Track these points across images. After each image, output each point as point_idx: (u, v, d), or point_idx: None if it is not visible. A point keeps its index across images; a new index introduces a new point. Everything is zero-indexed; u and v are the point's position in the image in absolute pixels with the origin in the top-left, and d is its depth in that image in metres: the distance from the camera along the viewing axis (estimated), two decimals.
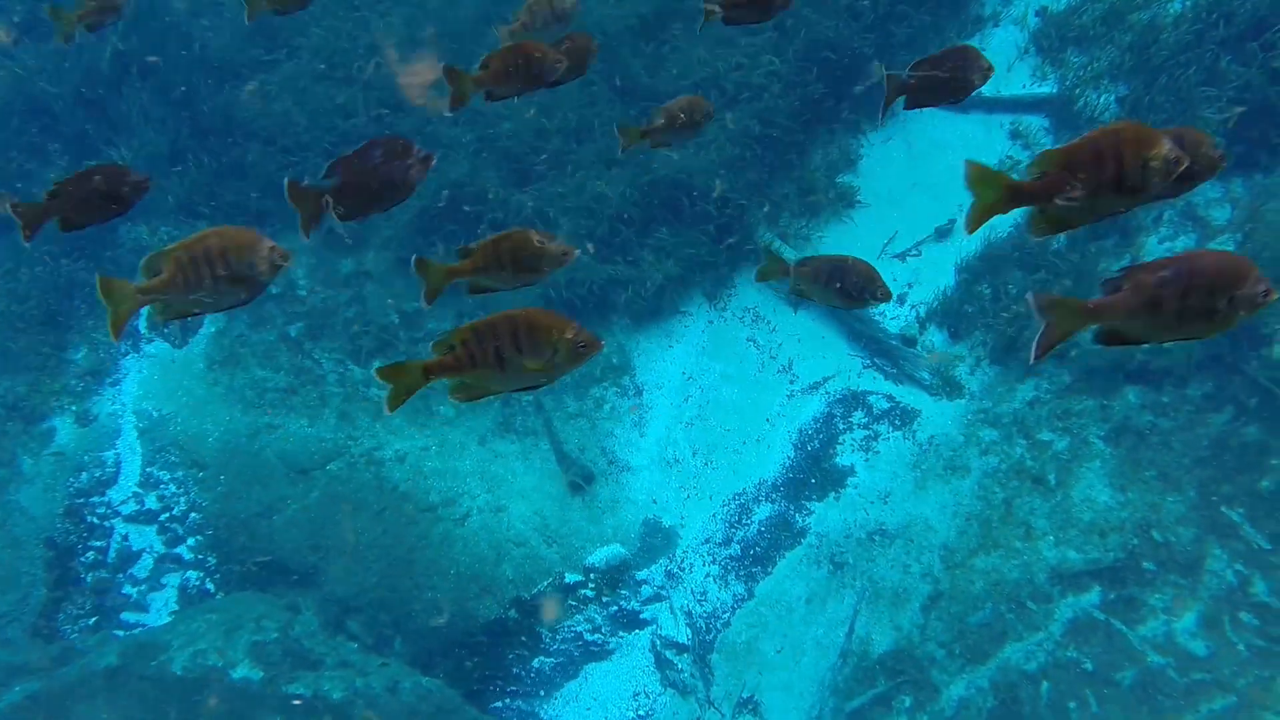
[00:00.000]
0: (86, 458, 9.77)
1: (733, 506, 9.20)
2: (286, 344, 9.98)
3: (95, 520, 9.64)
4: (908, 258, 9.70)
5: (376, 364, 3.11)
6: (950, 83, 4.41)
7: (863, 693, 8.12)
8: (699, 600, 8.96)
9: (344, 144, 9.97)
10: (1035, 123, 9.85)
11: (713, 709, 8.59)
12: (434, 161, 3.75)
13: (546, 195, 9.48)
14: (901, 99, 4.47)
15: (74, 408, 9.98)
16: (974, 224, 3.24)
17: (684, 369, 9.74)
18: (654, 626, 8.99)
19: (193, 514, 9.56)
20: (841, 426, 9.28)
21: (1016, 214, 10.15)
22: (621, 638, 9.03)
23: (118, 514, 9.67)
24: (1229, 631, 7.37)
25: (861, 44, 9.72)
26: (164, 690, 7.77)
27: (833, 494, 9.05)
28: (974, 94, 4.44)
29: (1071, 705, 7.49)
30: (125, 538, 9.61)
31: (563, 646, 8.94)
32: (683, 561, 9.11)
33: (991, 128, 10.00)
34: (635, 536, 9.15)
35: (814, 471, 9.15)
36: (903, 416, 9.17)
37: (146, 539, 9.61)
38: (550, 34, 5.26)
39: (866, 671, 8.19)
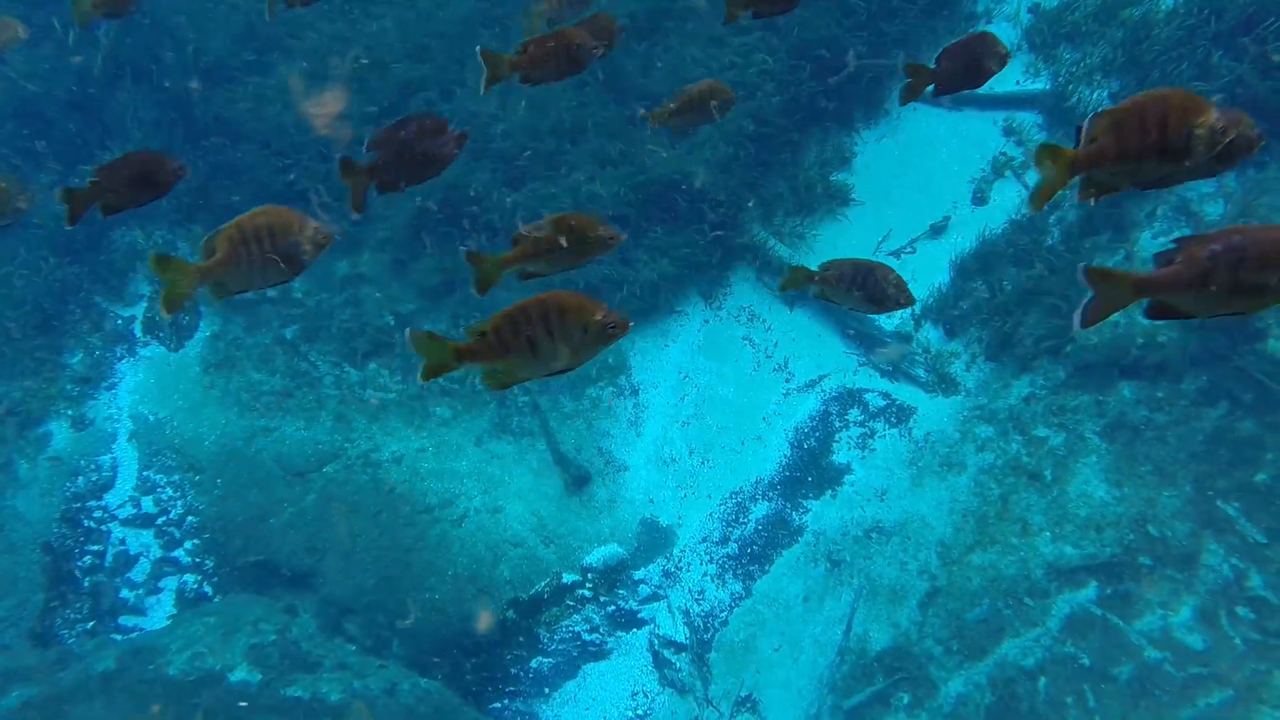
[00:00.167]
0: (83, 462, 9.77)
1: (730, 505, 9.20)
2: (282, 347, 9.98)
3: (92, 524, 9.63)
4: (902, 255, 9.71)
5: (409, 329, 3.11)
6: (970, 69, 4.54)
7: (861, 690, 8.13)
8: (697, 599, 8.96)
9: (338, 146, 9.98)
10: (1029, 119, 9.86)
11: (711, 708, 8.59)
12: (468, 140, 3.88)
13: (540, 195, 9.48)
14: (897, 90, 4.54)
15: (70, 412, 9.97)
16: (1040, 202, 3.22)
17: (680, 368, 9.75)
18: (652, 626, 8.99)
19: (190, 517, 9.56)
20: (838, 424, 9.29)
21: (1009, 211, 10.12)
22: (619, 637, 9.03)
23: (114, 518, 9.66)
24: (1225, 626, 7.38)
25: (854, 42, 9.73)
26: (161, 693, 7.76)
27: (829, 492, 9.06)
28: (981, 94, 4.52)
29: (1069, 700, 7.49)
30: (122, 542, 9.61)
31: (561, 646, 8.94)
32: (680, 561, 9.12)
33: (985, 124, 10.02)
34: (632, 536, 9.16)
35: (811, 469, 9.16)
36: (899, 414, 9.18)
37: (143, 543, 9.60)
38: (574, 14, 5.29)
39: (864, 669, 8.20)
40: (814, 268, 4.60)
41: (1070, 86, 9.55)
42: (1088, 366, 8.48)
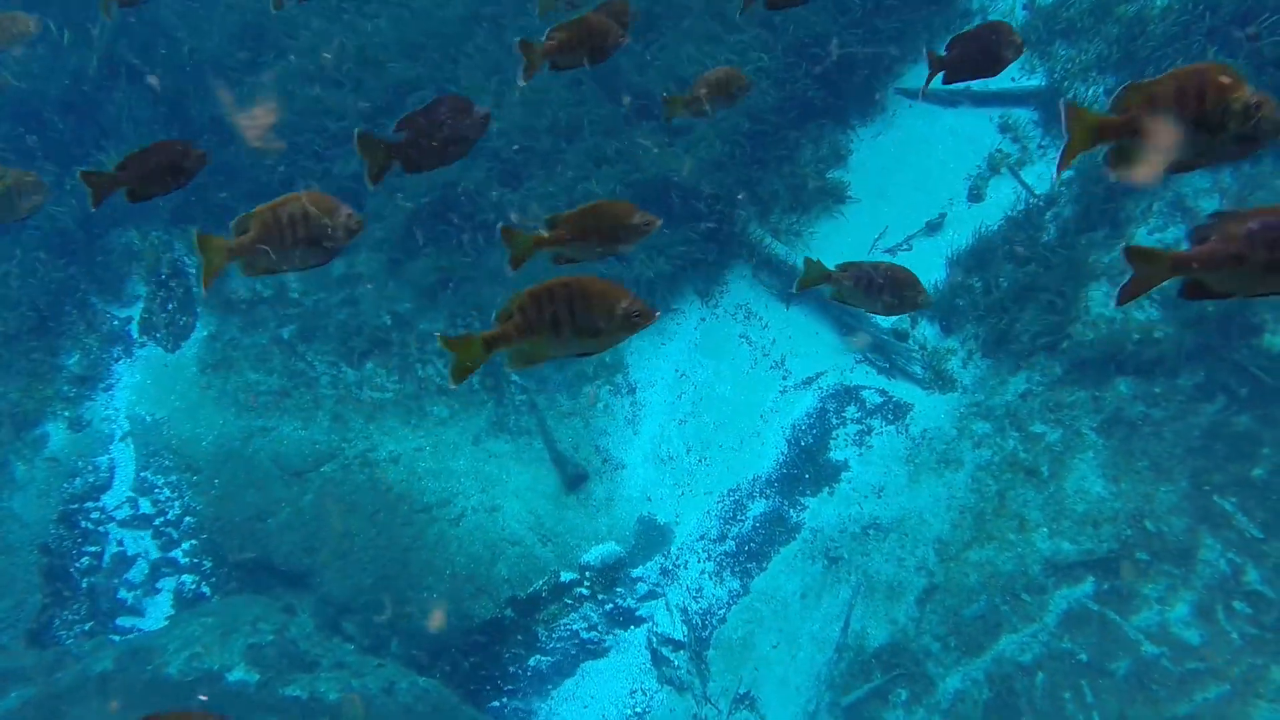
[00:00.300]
0: (80, 463, 9.76)
1: (727, 503, 9.20)
2: (279, 347, 9.98)
3: (89, 525, 9.63)
4: (899, 252, 9.71)
5: (438, 334, 3.17)
6: (984, 57, 4.58)
7: (859, 687, 8.13)
8: (695, 597, 8.97)
9: (334, 146, 9.98)
10: (1024, 115, 9.87)
11: (709, 705, 8.59)
12: (491, 121, 3.98)
13: (536, 194, 9.48)
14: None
15: (67, 413, 9.97)
16: (1065, 162, 3.17)
17: (677, 366, 9.75)
18: (650, 624, 9.00)
19: (187, 518, 9.56)
20: (835, 421, 9.29)
21: (1005, 208, 10.13)
22: (618, 635, 9.04)
23: (112, 519, 9.66)
24: (1222, 620, 7.39)
25: (850, 39, 9.74)
26: (159, 694, 7.76)
27: (826, 489, 9.06)
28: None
29: (1066, 696, 7.50)
30: (120, 542, 9.60)
31: (559, 645, 8.94)
32: (678, 558, 9.12)
33: (981, 121, 10.02)
34: (630, 534, 9.16)
35: (808, 467, 9.16)
36: (895, 411, 9.19)
37: (141, 544, 9.60)
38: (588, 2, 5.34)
39: (862, 665, 8.20)
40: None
41: (1066, 83, 9.55)
42: (1084, 362, 8.49)
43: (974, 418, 8.82)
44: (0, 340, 10.03)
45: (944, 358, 9.23)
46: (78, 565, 9.49)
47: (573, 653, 8.99)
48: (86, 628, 9.30)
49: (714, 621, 8.87)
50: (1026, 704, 7.61)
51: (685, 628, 8.86)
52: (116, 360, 10.26)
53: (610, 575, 9.02)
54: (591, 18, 4.66)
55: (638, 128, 9.68)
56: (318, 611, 8.94)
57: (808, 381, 9.50)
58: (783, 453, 9.28)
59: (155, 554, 9.55)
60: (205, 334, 10.19)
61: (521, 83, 4.54)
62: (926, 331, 9.39)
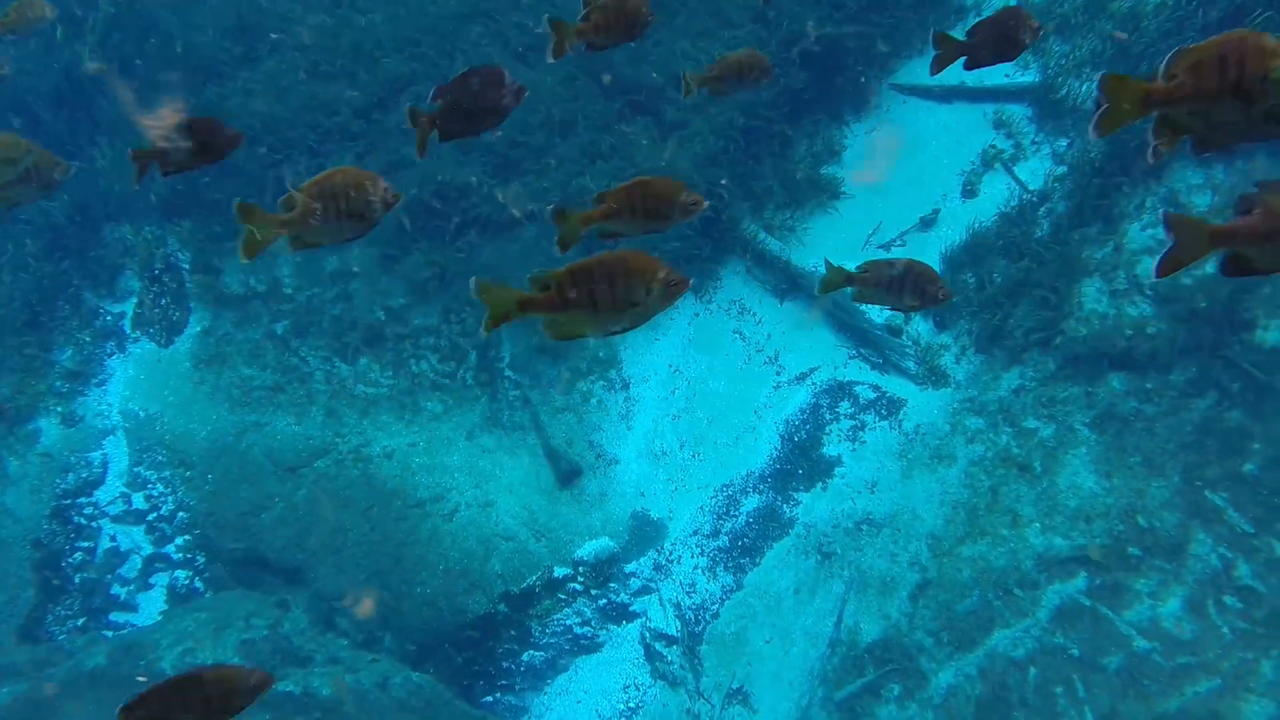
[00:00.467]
0: (73, 458, 9.75)
1: (721, 498, 9.21)
2: (273, 342, 9.96)
3: (82, 521, 9.62)
4: (893, 248, 9.72)
5: (474, 278, 3.21)
6: (1004, 41, 4.66)
7: (852, 681, 8.15)
8: (688, 592, 8.97)
9: (328, 141, 9.97)
10: (1018, 112, 9.88)
11: (702, 700, 8.60)
12: (526, 93, 4.17)
13: (530, 190, 9.47)
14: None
15: (59, 408, 9.95)
16: (1105, 129, 3.06)
17: (670, 362, 9.75)
18: (643, 619, 9.01)
19: (180, 513, 9.55)
20: (828, 417, 9.30)
21: (999, 203, 10.11)
22: (611, 631, 9.05)
23: (105, 514, 9.65)
24: (1213, 615, 7.41)
25: (843, 35, 9.73)
26: None
27: (820, 484, 9.07)
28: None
29: (1059, 691, 7.52)
30: (113, 538, 9.59)
31: (552, 640, 8.95)
32: (671, 554, 9.13)
33: (975, 117, 10.03)
34: (624, 529, 9.16)
35: (801, 462, 9.17)
36: (889, 406, 9.20)
37: (134, 539, 9.59)
38: None
39: (855, 660, 8.22)
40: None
41: (1060, 79, 9.56)
42: (1077, 358, 8.50)
43: (967, 413, 8.83)
44: None
45: (937, 353, 9.24)
46: (70, 561, 9.48)
47: (566, 648, 9.00)
48: (79, 623, 9.30)
49: (707, 616, 8.88)
50: (1019, 699, 7.63)
51: (678, 623, 8.87)
52: (109, 355, 10.24)
53: (604, 570, 9.02)
54: None
55: (633, 123, 9.67)
56: (311, 607, 8.94)
57: (801, 377, 9.51)
58: (776, 448, 9.28)
59: (148, 549, 9.54)
60: (199, 329, 10.17)
61: (550, 60, 4.63)
62: (920, 327, 9.40)
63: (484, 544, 8.98)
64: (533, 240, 9.48)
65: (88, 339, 10.22)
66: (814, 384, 9.46)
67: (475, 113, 4.09)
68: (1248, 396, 7.86)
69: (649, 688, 8.83)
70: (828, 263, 4.70)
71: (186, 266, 10.30)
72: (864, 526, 8.72)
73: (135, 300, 10.37)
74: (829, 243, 9.75)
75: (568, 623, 8.96)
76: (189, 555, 9.48)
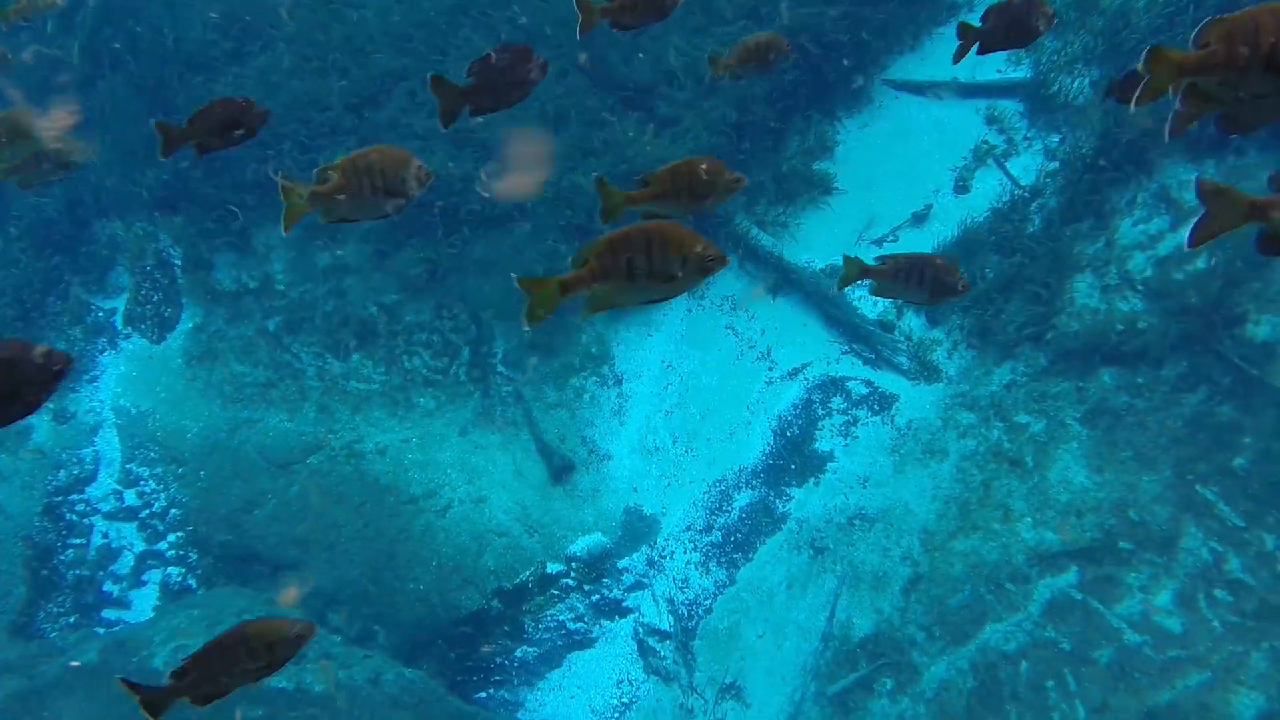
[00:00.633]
0: (65, 455, 9.72)
1: (713, 493, 9.22)
2: (265, 338, 9.94)
3: (74, 518, 9.60)
4: (885, 243, 9.73)
5: (515, 275, 3.24)
6: (1018, 28, 4.75)
7: (844, 676, 8.17)
8: (681, 587, 8.99)
9: (319, 136, 9.94)
10: (1010, 107, 9.88)
11: (696, 695, 8.62)
12: (550, 68, 4.32)
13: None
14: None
15: (51, 405, 9.91)
16: (1145, 99, 3.03)
17: (663, 357, 9.75)
18: (636, 614, 9.02)
19: (173, 510, 9.53)
20: (820, 412, 9.32)
21: (991, 199, 10.13)
22: (604, 626, 9.06)
23: (97, 511, 9.63)
24: (1204, 608, 7.44)
25: (836, 31, 9.73)
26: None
27: (812, 479, 9.09)
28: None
29: (1050, 684, 7.55)
30: (105, 535, 9.57)
31: (546, 635, 8.95)
32: (664, 549, 9.14)
33: (967, 113, 10.03)
34: (617, 525, 9.17)
35: (794, 457, 9.19)
36: (881, 401, 9.21)
37: (126, 536, 9.57)
38: None
39: (848, 655, 8.24)
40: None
41: (1052, 75, 9.57)
42: (1068, 353, 8.53)
43: (959, 408, 8.85)
44: None
45: (929, 349, 9.25)
46: (62, 558, 9.46)
47: (559, 643, 9.01)
48: (71, 620, 9.28)
49: (700, 612, 8.89)
50: (1010, 693, 7.65)
51: (671, 618, 8.88)
52: (101, 352, 10.21)
53: (596, 566, 9.03)
54: None
55: (625, 118, 9.67)
56: (304, 603, 8.93)
57: (794, 372, 9.52)
58: (769, 443, 9.30)
59: (141, 546, 9.53)
60: (190, 325, 10.15)
61: (578, 37, 4.70)
62: (912, 322, 9.41)
63: (477, 540, 8.98)
64: (525, 236, 9.48)
65: (79, 335, 10.19)
66: (806, 379, 9.47)
67: (505, 86, 4.21)
68: (1238, 391, 7.89)
69: (642, 683, 8.84)
70: (845, 257, 4.73)
71: (178, 262, 10.27)
72: (856, 521, 8.74)
73: (127, 296, 10.34)
74: (821, 238, 9.76)
75: (561, 618, 8.97)
76: (181, 552, 9.46)
